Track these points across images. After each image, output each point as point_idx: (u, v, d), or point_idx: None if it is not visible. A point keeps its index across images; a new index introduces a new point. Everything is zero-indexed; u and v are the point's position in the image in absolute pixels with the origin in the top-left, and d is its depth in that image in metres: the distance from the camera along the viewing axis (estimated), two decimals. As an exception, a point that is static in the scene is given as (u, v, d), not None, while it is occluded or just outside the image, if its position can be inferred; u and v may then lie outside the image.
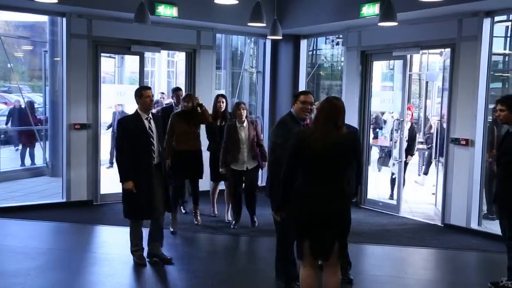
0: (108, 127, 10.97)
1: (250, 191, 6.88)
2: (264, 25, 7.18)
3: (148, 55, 12.81)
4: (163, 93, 12.53)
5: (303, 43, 9.69)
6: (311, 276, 3.86)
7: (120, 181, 5.22)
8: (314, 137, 3.74)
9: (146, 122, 5.27)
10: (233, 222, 6.98)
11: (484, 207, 7.39)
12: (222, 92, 10.96)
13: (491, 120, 7.24)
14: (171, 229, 6.57)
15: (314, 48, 12.51)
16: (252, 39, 11.56)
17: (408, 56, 7.96)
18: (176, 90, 7.83)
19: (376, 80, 9.29)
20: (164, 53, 12.54)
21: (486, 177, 7.18)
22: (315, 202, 3.74)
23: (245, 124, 6.72)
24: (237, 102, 6.93)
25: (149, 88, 5.48)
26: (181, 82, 10.22)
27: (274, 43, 9.63)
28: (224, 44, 12.84)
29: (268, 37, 8.44)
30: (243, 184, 6.94)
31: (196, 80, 8.86)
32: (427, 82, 15.95)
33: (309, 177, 3.79)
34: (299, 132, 4.06)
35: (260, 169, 6.98)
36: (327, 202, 3.72)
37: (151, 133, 5.27)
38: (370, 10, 7.33)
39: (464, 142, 7.04)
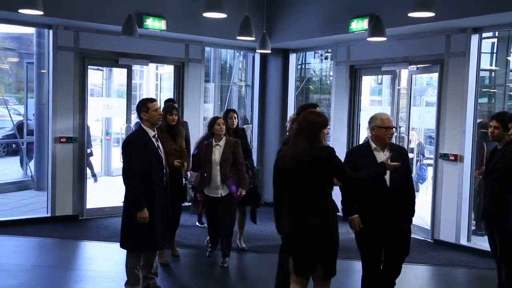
0: None
1: (224, 225, 5.84)
2: (253, 38, 7.16)
3: (136, 67, 12.71)
4: None
5: (292, 57, 9.69)
6: None
7: (132, 210, 4.52)
8: (286, 153, 3.78)
9: (154, 140, 4.62)
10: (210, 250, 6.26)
11: (473, 223, 7.38)
12: (210, 105, 10.93)
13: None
14: (159, 261, 5.66)
15: (303, 62, 12.54)
16: (241, 52, 11.56)
17: (398, 71, 7.97)
18: (168, 102, 7.13)
19: (364, 95, 9.29)
20: (152, 66, 12.47)
21: (474, 193, 7.18)
22: (292, 221, 3.75)
23: (221, 142, 5.80)
24: (215, 117, 6.12)
25: (155, 100, 4.77)
26: (167, 96, 10.14)
27: (263, 57, 9.61)
28: (213, 57, 12.84)
29: (257, 51, 8.42)
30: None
31: (184, 93, 8.80)
32: (413, 97, 16.06)
33: (287, 195, 3.81)
34: (280, 149, 4.05)
35: (237, 197, 5.88)
36: (303, 220, 3.69)
37: (160, 152, 4.67)
38: (359, 25, 7.35)
39: (453, 158, 7.03)
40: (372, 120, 4.33)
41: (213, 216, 5.90)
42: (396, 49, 7.67)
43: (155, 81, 14.02)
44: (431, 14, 5.22)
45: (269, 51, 8.11)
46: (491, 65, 9.83)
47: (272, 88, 9.73)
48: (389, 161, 3.93)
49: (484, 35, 7.13)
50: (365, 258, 4.36)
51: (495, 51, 10.13)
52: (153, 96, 13.74)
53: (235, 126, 6.47)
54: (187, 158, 5.89)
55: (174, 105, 6.21)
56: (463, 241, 7.02)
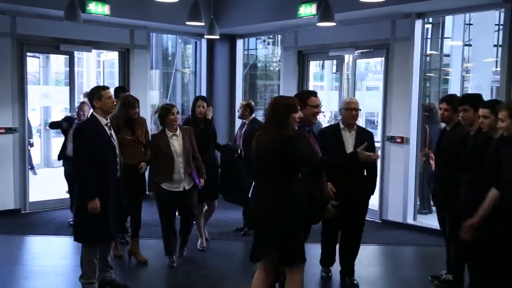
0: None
1: (186, 218, 5.60)
2: (203, 24, 7.05)
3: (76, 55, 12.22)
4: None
5: (239, 43, 9.62)
6: (258, 279, 3.80)
7: (83, 201, 4.36)
8: (254, 140, 3.75)
9: (107, 128, 4.48)
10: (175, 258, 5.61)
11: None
12: (155, 93, 10.70)
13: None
14: (115, 254, 5.57)
15: (246, 48, 12.53)
16: (183, 38, 11.37)
17: (346, 56, 8.08)
18: (121, 91, 6.55)
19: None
20: (93, 53, 12.05)
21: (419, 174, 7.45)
22: (251, 204, 3.79)
23: (178, 132, 5.39)
24: (166, 105, 5.70)
25: (108, 88, 4.65)
26: (110, 83, 9.85)
27: (210, 43, 9.49)
28: (155, 43, 12.55)
29: (205, 36, 8.29)
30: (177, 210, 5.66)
31: (130, 81, 8.55)
32: (355, 82, 16.45)
33: (255, 181, 3.83)
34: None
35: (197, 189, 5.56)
36: (257, 205, 3.71)
37: (113, 142, 4.51)
38: (307, 10, 7.36)
39: (399, 140, 7.25)
40: (342, 103, 4.93)
41: (170, 213, 5.48)
42: (343, 34, 7.77)
43: (97, 68, 13.58)
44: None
45: (218, 37, 8.01)
46: (426, 50, 10.20)
47: (219, 75, 9.63)
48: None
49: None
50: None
51: (429, 36, 10.52)
52: (95, 84, 13.33)
53: (205, 115, 6.04)
54: (147, 150, 5.55)
55: (132, 96, 5.87)
56: (410, 220, 7.27)
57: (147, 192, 5.58)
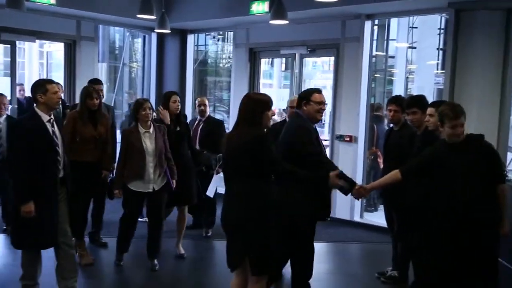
0: None
1: (156, 221, 5.20)
2: (154, 17, 6.92)
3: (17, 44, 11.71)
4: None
5: (190, 38, 9.51)
6: (234, 284, 3.64)
7: (17, 203, 4.02)
8: (226, 138, 3.60)
9: (48, 125, 4.09)
10: (117, 258, 5.38)
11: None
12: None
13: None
14: (83, 262, 5.26)
15: (196, 43, 12.41)
16: (131, 32, 11.14)
17: (297, 55, 8.14)
18: (94, 83, 6.00)
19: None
20: (36, 43, 11.60)
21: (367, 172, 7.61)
22: (222, 208, 3.60)
23: (151, 129, 5.09)
24: (140, 99, 5.39)
25: (54, 82, 4.28)
26: (57, 76, 9.51)
27: (160, 38, 9.32)
28: (102, 35, 12.23)
29: (155, 30, 8.13)
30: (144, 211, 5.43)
31: (76, 73, 8.27)
32: (304, 80, 16.65)
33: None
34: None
35: (170, 190, 5.25)
36: (228, 208, 3.54)
37: (56, 139, 4.12)
38: (260, 8, 7.39)
39: (348, 139, 7.38)
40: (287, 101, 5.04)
41: (133, 217, 5.19)
42: (295, 32, 7.81)
43: (39, 59, 13.08)
44: (335, -1, 5.38)
45: (169, 31, 7.87)
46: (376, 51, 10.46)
47: (169, 70, 9.49)
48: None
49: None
50: None
51: (375, 38, 10.79)
52: (36, 77, 12.84)
53: (178, 111, 5.58)
54: (110, 147, 5.33)
55: (94, 87, 5.50)
56: (357, 218, 7.42)
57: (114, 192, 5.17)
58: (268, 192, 3.47)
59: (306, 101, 4.11)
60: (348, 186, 4.11)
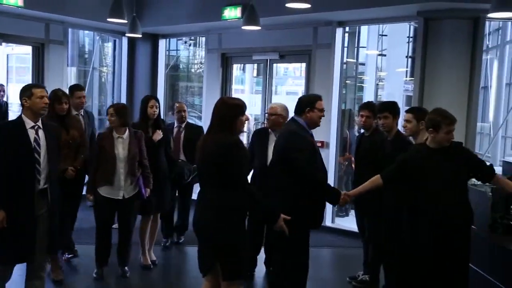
0: None
1: (125, 228, 5.09)
2: (125, 21, 6.83)
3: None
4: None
5: (162, 43, 9.46)
6: None
7: None
8: (199, 144, 3.55)
9: (31, 132, 3.89)
10: (96, 272, 5.17)
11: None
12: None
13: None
14: (54, 278, 5.02)
15: (168, 48, 12.36)
16: (101, 36, 11.01)
17: (268, 61, 8.17)
18: (75, 89, 5.64)
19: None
20: (2, 45, 11.33)
21: (338, 177, 7.66)
22: (194, 214, 3.56)
23: (125, 135, 4.97)
24: (110, 105, 5.26)
25: (42, 87, 4.06)
26: (21, 79, 9.31)
27: (131, 42, 9.23)
28: (71, 39, 12.04)
29: (126, 34, 8.05)
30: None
31: (44, 77, 8.12)
32: (276, 86, 16.74)
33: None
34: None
35: (141, 198, 5.10)
36: (200, 214, 3.51)
37: (37, 147, 3.88)
38: (232, 13, 7.40)
39: (320, 144, 7.41)
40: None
41: (106, 221, 5.05)
42: (267, 38, 7.83)
43: (7, 63, 12.81)
44: (308, 6, 5.41)
45: (140, 36, 7.81)
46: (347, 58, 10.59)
47: (140, 75, 9.40)
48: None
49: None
50: None
51: (346, 45, 10.93)
52: (3, 80, 12.54)
53: (155, 116, 5.43)
54: (85, 150, 5.13)
55: (61, 91, 5.23)
56: (328, 223, 7.45)
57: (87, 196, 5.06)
58: (239, 198, 3.40)
59: (311, 108, 4.10)
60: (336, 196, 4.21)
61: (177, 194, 6.23)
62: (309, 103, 4.13)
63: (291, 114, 4.35)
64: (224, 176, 3.35)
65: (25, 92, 3.93)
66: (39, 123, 3.95)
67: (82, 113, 5.58)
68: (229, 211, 3.38)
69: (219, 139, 3.37)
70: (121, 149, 4.90)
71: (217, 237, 3.38)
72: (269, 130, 5.17)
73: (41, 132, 3.93)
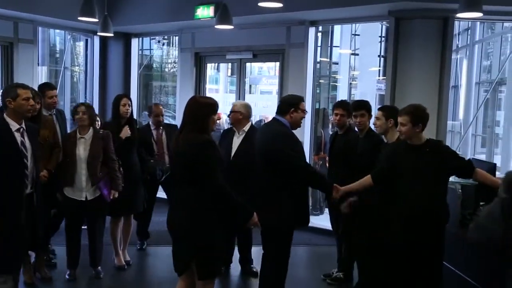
0: None
1: (92, 229, 5.02)
2: (96, 20, 6.74)
3: None
4: None
5: (134, 42, 9.37)
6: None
7: None
8: (173, 143, 3.54)
9: (17, 135, 3.75)
10: (69, 272, 5.09)
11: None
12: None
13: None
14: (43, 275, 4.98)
15: (141, 48, 12.27)
16: (72, 35, 10.86)
17: (242, 60, 8.17)
18: (47, 89, 5.29)
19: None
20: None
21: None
22: (168, 213, 3.54)
23: (87, 135, 4.84)
24: (79, 104, 5.09)
25: (27, 87, 3.88)
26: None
27: (103, 41, 9.12)
28: (41, 38, 11.83)
29: (98, 33, 7.93)
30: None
31: (14, 77, 7.96)
32: (250, 86, 16.75)
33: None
34: None
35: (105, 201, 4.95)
36: (174, 213, 3.50)
37: (25, 150, 3.77)
38: (205, 12, 7.37)
39: (294, 143, 7.44)
40: None
41: (73, 224, 4.96)
42: (241, 38, 7.83)
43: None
44: (280, 5, 5.43)
45: (111, 35, 7.70)
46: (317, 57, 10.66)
47: (113, 75, 9.31)
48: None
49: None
50: None
51: (320, 44, 11.01)
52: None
53: (128, 115, 5.30)
54: (59, 152, 4.91)
55: (34, 90, 4.80)
56: (303, 221, 7.48)
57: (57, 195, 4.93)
58: (213, 197, 3.37)
59: (295, 108, 4.07)
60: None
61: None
62: (293, 104, 4.10)
63: (274, 114, 4.28)
64: (197, 175, 3.33)
65: (10, 93, 3.76)
66: (23, 125, 3.80)
67: (54, 112, 5.47)
68: (204, 211, 3.36)
69: (191, 139, 3.33)
70: (82, 149, 4.79)
71: (192, 237, 3.36)
72: (233, 128, 5.20)
73: (26, 135, 3.80)
